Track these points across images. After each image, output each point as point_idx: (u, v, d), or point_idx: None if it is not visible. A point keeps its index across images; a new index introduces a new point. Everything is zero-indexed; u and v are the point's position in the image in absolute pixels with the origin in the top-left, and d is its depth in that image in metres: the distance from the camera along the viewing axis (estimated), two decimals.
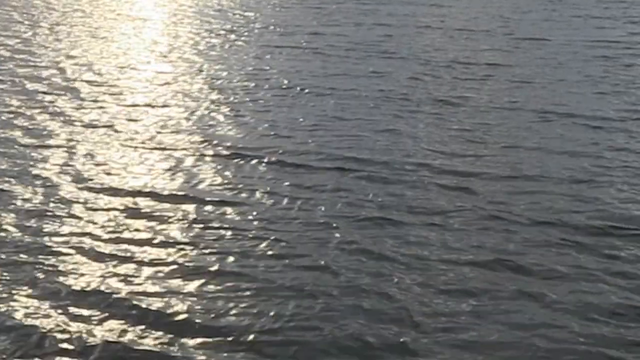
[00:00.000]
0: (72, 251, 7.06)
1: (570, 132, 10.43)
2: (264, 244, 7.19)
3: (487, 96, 12.19)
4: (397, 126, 10.71)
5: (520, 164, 9.25)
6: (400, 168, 9.10)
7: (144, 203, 8.12)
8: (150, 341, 5.70)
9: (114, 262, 6.84)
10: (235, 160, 9.43)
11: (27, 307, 6.09)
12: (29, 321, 5.90)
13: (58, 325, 5.85)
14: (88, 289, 6.40)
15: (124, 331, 5.82)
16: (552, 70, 13.88)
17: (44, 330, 5.78)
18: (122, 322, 5.93)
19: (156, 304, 6.18)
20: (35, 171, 9.05)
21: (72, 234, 7.40)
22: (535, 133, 10.40)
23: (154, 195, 8.32)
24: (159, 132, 10.53)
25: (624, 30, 17.31)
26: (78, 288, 6.41)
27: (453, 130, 10.53)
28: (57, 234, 7.39)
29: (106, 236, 7.35)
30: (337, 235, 7.37)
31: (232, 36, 17.62)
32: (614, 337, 5.77)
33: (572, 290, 6.39)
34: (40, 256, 6.94)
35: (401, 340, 5.69)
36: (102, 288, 6.40)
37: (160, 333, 5.80)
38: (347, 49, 15.85)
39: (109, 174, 8.96)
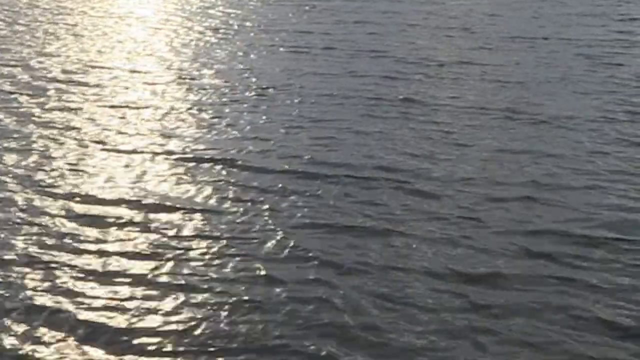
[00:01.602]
0: (19, 259, 6.87)
1: (546, 135, 10.16)
2: (215, 253, 6.98)
3: (465, 97, 11.93)
4: (367, 128, 10.44)
5: (493, 168, 8.98)
6: (366, 173, 8.82)
7: (98, 209, 7.92)
8: (92, 354, 5.51)
9: (61, 272, 6.64)
10: (198, 163, 9.20)
11: None
12: None
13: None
14: (31, 301, 6.20)
15: (61, 341, 5.64)
16: (533, 69, 13.61)
17: None
18: (60, 334, 5.75)
19: (99, 313, 6.00)
20: None
21: (22, 241, 7.20)
22: (510, 135, 10.13)
23: (108, 201, 8.11)
24: (124, 134, 10.30)
25: (609, 29, 17.05)
26: (23, 298, 6.23)
27: (424, 132, 10.26)
28: (6, 242, 7.18)
29: (56, 244, 7.14)
30: (293, 243, 7.13)
31: (209, 34, 17.37)
32: (592, 348, 5.55)
33: (545, 301, 6.13)
34: None
35: (345, 354, 5.45)
36: (48, 300, 6.21)
37: (102, 344, 5.62)
38: (327, 47, 15.60)
39: (67, 177, 8.76)
